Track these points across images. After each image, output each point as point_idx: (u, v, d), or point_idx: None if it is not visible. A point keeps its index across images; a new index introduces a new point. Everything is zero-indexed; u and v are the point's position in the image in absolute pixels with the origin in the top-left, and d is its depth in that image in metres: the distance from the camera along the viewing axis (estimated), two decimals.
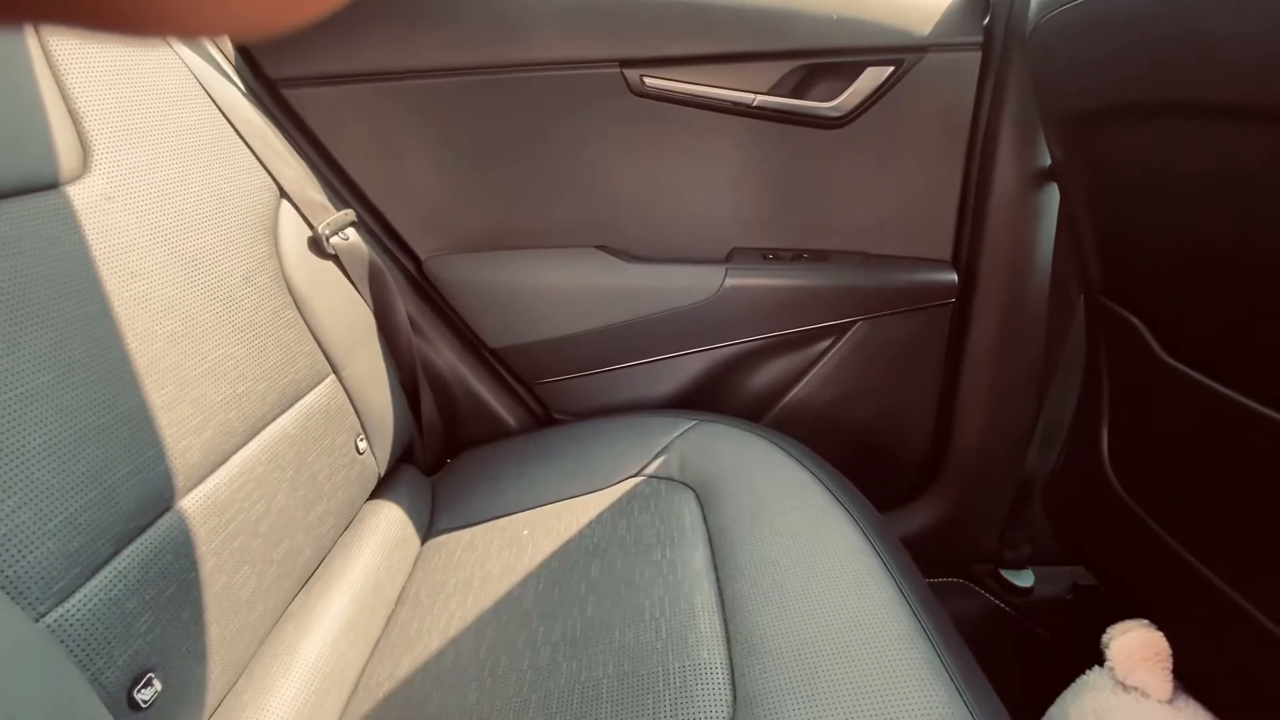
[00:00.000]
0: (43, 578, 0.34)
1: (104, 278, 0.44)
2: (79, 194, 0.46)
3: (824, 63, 0.75)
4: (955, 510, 0.93)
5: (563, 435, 0.81)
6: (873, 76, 0.75)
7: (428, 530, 0.71)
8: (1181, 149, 0.47)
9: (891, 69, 0.74)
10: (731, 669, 0.44)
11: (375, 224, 0.81)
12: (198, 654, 0.42)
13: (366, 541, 0.63)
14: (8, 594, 0.32)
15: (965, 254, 0.81)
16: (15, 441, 0.35)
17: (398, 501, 0.70)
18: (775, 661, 0.43)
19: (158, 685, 0.39)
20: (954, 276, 0.82)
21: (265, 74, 0.73)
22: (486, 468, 0.79)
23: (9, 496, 0.34)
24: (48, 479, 0.36)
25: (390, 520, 0.67)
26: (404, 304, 0.76)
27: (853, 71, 0.75)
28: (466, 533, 0.68)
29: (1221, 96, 0.41)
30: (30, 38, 0.47)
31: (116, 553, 0.39)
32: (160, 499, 0.42)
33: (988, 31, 0.73)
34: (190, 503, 0.44)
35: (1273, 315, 0.45)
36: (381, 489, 0.70)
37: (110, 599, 0.37)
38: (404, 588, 0.62)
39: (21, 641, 0.32)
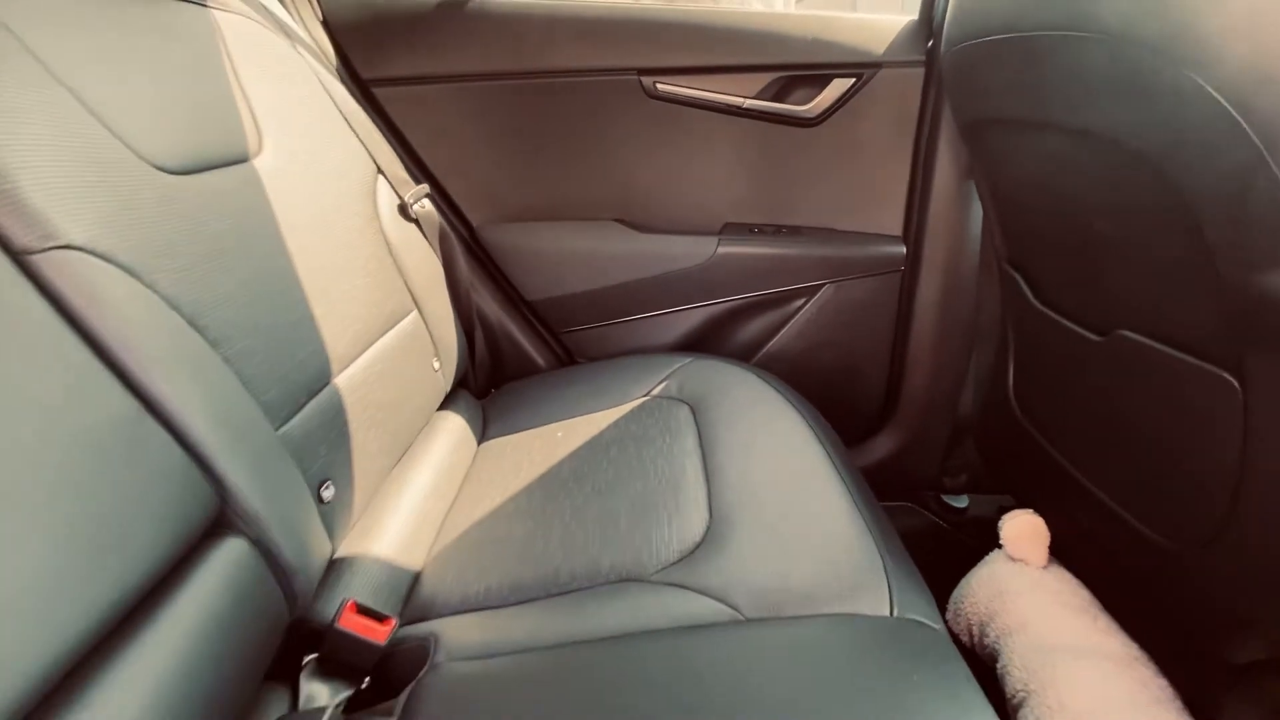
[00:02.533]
0: (276, 406, 0.54)
1: (280, 227, 0.64)
2: (260, 166, 0.65)
3: (800, 74, 0.95)
4: (905, 445, 1.13)
5: (584, 371, 1.01)
6: (838, 86, 0.94)
7: (481, 437, 0.91)
8: (1044, 155, 0.66)
9: (853, 80, 0.93)
10: (709, 500, 0.64)
11: (439, 196, 1.01)
12: (348, 478, 0.63)
13: (439, 437, 0.84)
14: (263, 412, 0.52)
15: (913, 231, 1.01)
16: (255, 324, 0.55)
17: (459, 413, 0.90)
18: (739, 496, 0.64)
19: (332, 489, 0.59)
20: (903, 249, 1.01)
21: (359, 75, 0.93)
22: (524, 396, 0.99)
23: (253, 355, 0.54)
24: (271, 348, 0.56)
25: (455, 425, 0.87)
26: (462, 261, 0.96)
27: (823, 82, 0.94)
28: (512, 438, 0.88)
29: (1068, 121, 0.60)
30: (218, 43, 0.66)
31: (306, 402, 0.59)
32: (325, 373, 0.62)
33: (929, 53, 0.91)
34: (342, 380, 0.64)
35: (1094, 272, 0.64)
36: (447, 403, 0.91)
37: (305, 430, 0.57)
38: (468, 472, 0.83)
39: (272, 442, 0.52)
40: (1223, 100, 0.41)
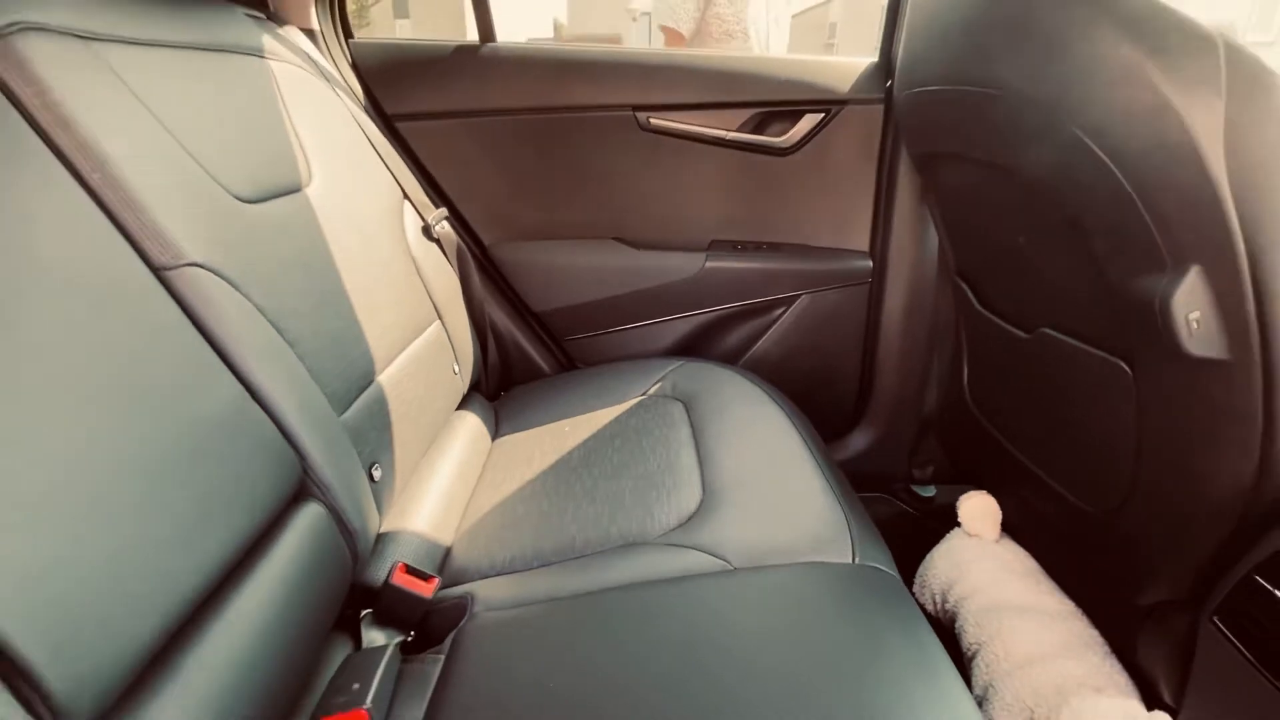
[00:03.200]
0: (337, 397, 0.64)
1: (330, 247, 0.74)
2: (311, 195, 0.75)
3: (775, 110, 1.07)
4: (877, 440, 1.24)
5: (586, 374, 1.12)
6: (809, 120, 1.06)
7: (494, 435, 1.01)
8: (976, 184, 0.78)
9: (822, 115, 1.06)
10: (702, 479, 0.75)
11: (455, 219, 1.11)
12: (391, 463, 0.72)
13: (459, 433, 0.93)
14: (329, 401, 0.62)
15: (878, 247, 1.13)
16: (317, 329, 0.65)
17: (475, 412, 1.00)
18: (728, 475, 0.74)
19: (380, 471, 0.69)
20: (870, 263, 1.13)
21: (385, 112, 1.04)
22: (531, 398, 1.09)
23: (319, 355, 0.64)
24: (331, 349, 0.66)
25: (472, 423, 0.97)
26: (476, 277, 1.06)
27: (795, 116, 1.07)
28: (524, 434, 0.97)
29: (989, 158, 0.72)
30: (274, 88, 0.77)
31: (358, 396, 0.69)
32: (371, 372, 0.72)
33: (888, 91, 1.04)
34: (383, 378, 0.74)
35: (1019, 280, 0.76)
36: (463, 404, 1.00)
37: (358, 419, 0.67)
38: (485, 463, 0.92)
39: (337, 426, 0.62)
40: (1096, 148, 0.53)
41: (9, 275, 0.39)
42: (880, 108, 1.05)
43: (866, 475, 1.24)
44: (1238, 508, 0.57)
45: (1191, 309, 0.52)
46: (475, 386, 1.08)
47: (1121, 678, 0.71)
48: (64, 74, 0.49)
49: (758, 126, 1.09)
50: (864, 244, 1.14)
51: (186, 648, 0.42)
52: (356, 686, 0.52)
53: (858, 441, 1.26)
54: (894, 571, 0.62)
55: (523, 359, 1.18)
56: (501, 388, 1.16)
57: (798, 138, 1.07)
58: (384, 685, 0.53)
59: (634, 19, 15.56)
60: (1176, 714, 0.65)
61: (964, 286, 0.91)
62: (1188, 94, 0.48)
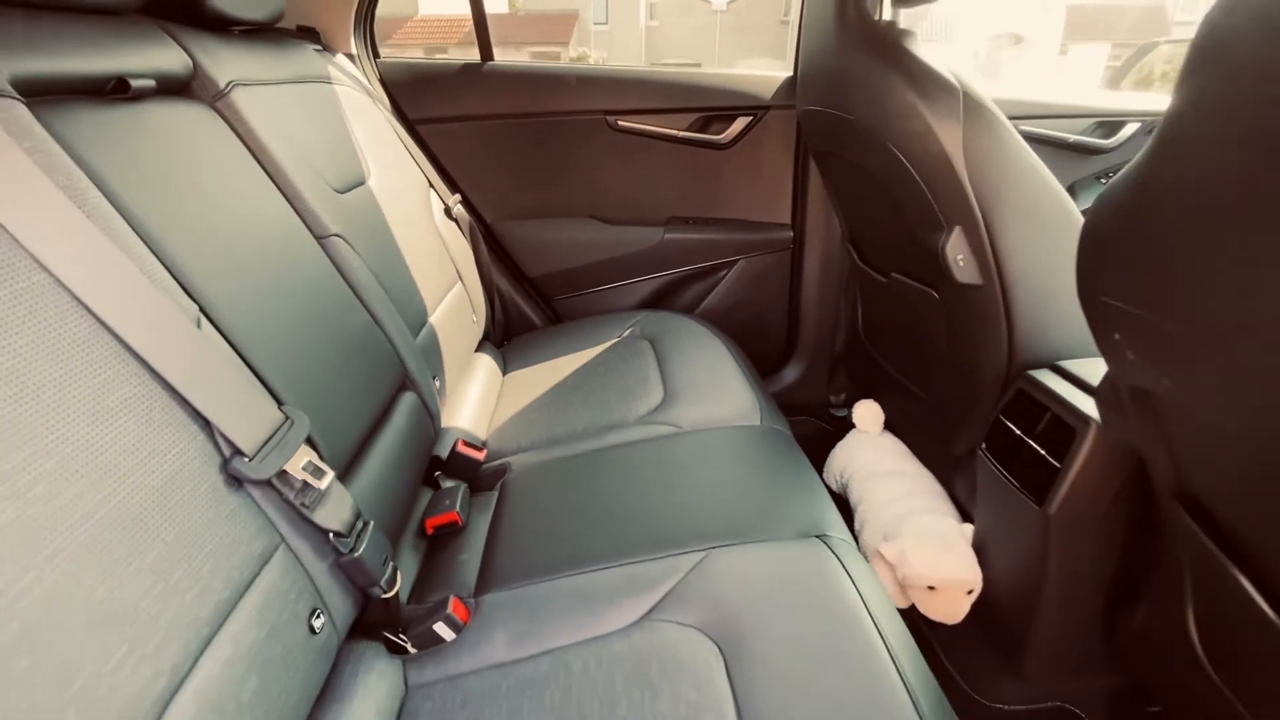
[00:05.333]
0: (412, 328, 0.93)
1: (389, 223, 1.02)
2: (372, 186, 1.03)
3: (715, 114, 1.37)
4: (802, 375, 1.58)
5: (571, 326, 1.42)
6: (741, 121, 1.37)
7: (504, 371, 1.30)
8: (848, 173, 1.10)
9: (751, 118, 1.37)
10: (664, 387, 1.06)
11: (465, 202, 1.39)
12: (443, 379, 1.01)
13: (480, 367, 1.23)
14: (408, 330, 0.90)
15: (797, 220, 1.45)
16: (392, 281, 0.93)
17: (488, 354, 1.29)
18: (682, 384, 1.05)
19: (438, 383, 0.98)
20: (791, 234, 1.45)
21: (408, 117, 1.31)
22: (530, 344, 1.39)
23: (397, 300, 0.92)
24: (402, 294, 0.94)
25: (488, 361, 1.26)
26: (484, 248, 1.35)
27: (731, 118, 1.37)
28: (528, 369, 1.27)
29: (851, 157, 1.04)
30: (340, 104, 1.03)
31: (420, 329, 0.97)
32: (424, 314, 1.00)
33: (799, 100, 1.35)
34: (433, 319, 1.03)
35: (877, 238, 1.09)
36: (479, 348, 1.30)
37: (421, 344, 0.96)
38: (501, 387, 1.22)
39: (415, 343, 0.90)
40: (899, 155, 0.85)
41: (247, 234, 0.67)
42: (794, 112, 1.36)
43: (795, 403, 1.58)
44: (999, 377, 0.91)
45: (958, 253, 0.86)
46: (486, 336, 1.37)
47: (947, 505, 1.06)
48: (251, 110, 0.76)
49: (702, 126, 1.39)
50: (786, 218, 1.46)
51: (358, 465, 0.72)
52: (447, 503, 0.82)
53: (788, 376, 1.59)
54: (788, 430, 0.95)
55: (520, 314, 1.48)
56: (505, 338, 1.46)
57: (733, 135, 1.38)
58: (463, 503, 0.83)
59: None
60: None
61: (851, 249, 1.24)
62: (941, 122, 0.80)
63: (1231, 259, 0.37)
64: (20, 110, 0.46)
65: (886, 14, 0.92)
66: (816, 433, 1.60)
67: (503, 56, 1.34)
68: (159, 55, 0.66)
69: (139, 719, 0.38)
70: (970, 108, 0.80)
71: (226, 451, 0.50)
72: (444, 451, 0.94)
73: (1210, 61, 0.36)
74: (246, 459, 0.50)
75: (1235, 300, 0.37)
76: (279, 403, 0.57)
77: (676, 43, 18.71)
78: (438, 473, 0.93)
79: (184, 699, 0.41)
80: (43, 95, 0.51)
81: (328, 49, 1.15)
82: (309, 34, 1.13)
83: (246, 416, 0.51)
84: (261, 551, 0.51)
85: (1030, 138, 1.27)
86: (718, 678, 0.56)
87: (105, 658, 0.37)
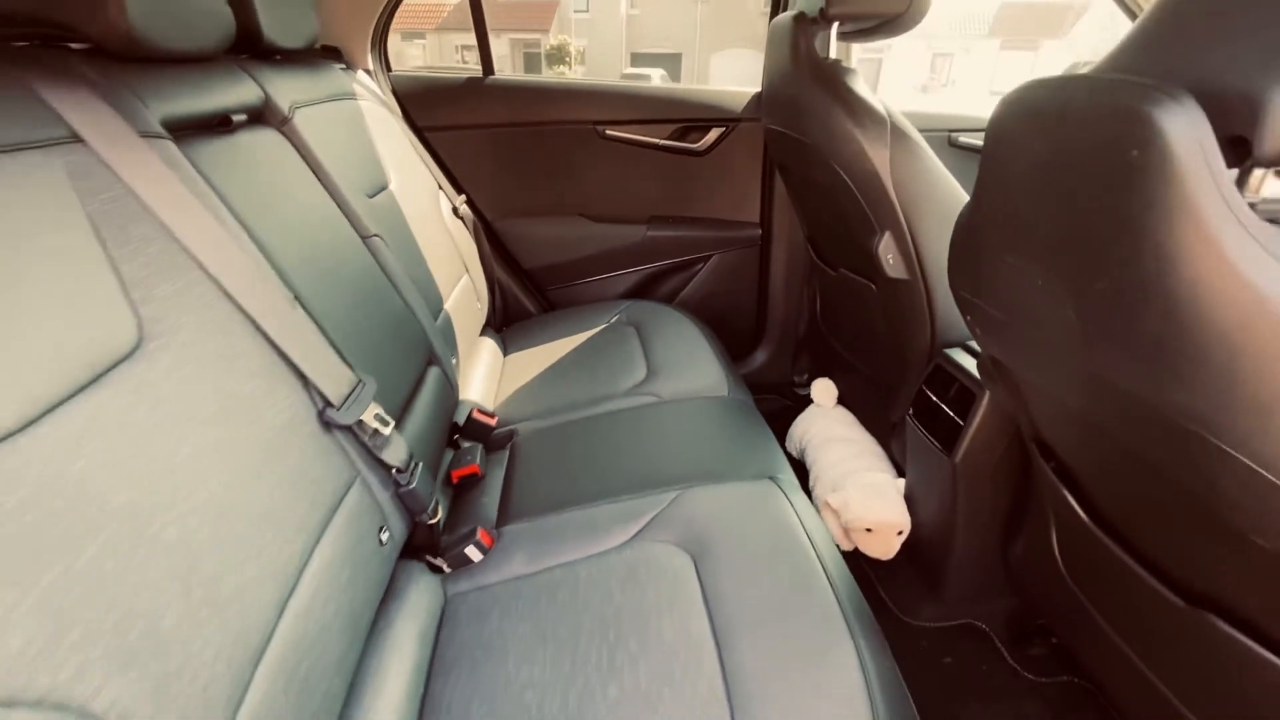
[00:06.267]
0: (431, 312, 1.09)
1: (409, 224, 1.17)
2: (393, 189, 1.18)
3: (693, 125, 1.55)
4: (770, 358, 1.77)
5: (564, 313, 1.59)
6: (716, 132, 1.54)
7: (505, 353, 1.47)
8: (803, 184, 1.28)
9: (724, 129, 1.54)
10: (647, 364, 1.24)
11: (468, 202, 1.54)
12: (456, 356, 1.18)
13: (484, 349, 1.39)
14: (429, 312, 1.07)
15: (765, 220, 1.63)
16: (415, 274, 1.09)
17: (490, 338, 1.46)
18: (664, 364, 1.23)
19: (454, 361, 1.14)
20: (760, 231, 1.63)
21: (416, 124, 1.45)
22: (526, 330, 1.55)
23: (420, 288, 1.08)
24: (423, 283, 1.10)
25: (490, 345, 1.43)
26: (486, 243, 1.51)
27: (706, 129, 1.55)
28: (525, 351, 1.44)
29: (804, 172, 1.22)
30: (365, 118, 1.19)
31: (438, 314, 1.13)
32: (440, 300, 1.17)
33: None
34: (447, 305, 1.19)
35: (827, 238, 1.27)
36: (483, 332, 1.46)
37: (439, 326, 1.12)
38: (503, 366, 1.38)
39: (436, 325, 1.07)
40: (841, 173, 1.04)
41: (313, 235, 0.82)
42: (761, 125, 1.54)
43: (764, 382, 1.77)
44: (923, 356, 1.10)
45: (889, 253, 1.04)
46: (488, 322, 1.53)
47: (885, 464, 1.26)
48: (307, 130, 0.91)
49: (680, 136, 1.56)
50: (756, 217, 1.64)
51: (404, 421, 0.88)
52: (469, 458, 0.99)
53: (757, 359, 1.78)
54: (750, 401, 1.13)
55: (517, 303, 1.64)
56: (504, 324, 1.62)
57: (708, 144, 1.56)
58: (482, 458, 1.00)
59: None
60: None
61: (809, 247, 1.43)
62: (873, 146, 0.98)
63: (1020, 269, 0.56)
64: (172, 147, 0.62)
65: (834, 53, 1.10)
66: (782, 408, 1.79)
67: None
68: (241, 90, 0.82)
69: (282, 588, 0.55)
70: (896, 134, 0.99)
71: (320, 404, 0.66)
72: (461, 418, 1.10)
73: (994, 138, 0.55)
74: (335, 409, 0.67)
75: (1024, 297, 0.56)
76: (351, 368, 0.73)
77: (657, 31, 18.74)
78: (456, 436, 1.10)
79: (305, 579, 0.58)
80: (178, 132, 0.66)
81: (349, 66, 1.29)
82: (333, 54, 1.28)
83: (332, 377, 0.68)
84: (346, 480, 0.67)
85: (967, 147, 1.48)
86: (689, 577, 0.74)
87: (252, 549, 0.53)
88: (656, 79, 14.64)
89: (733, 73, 17.54)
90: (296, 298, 0.70)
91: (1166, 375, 0.41)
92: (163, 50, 0.65)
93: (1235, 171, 0.37)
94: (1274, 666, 0.55)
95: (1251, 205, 0.36)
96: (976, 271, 0.62)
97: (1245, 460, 0.38)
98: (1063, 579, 0.90)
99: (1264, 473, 0.38)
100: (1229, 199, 0.35)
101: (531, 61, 18.45)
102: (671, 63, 18.35)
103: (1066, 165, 0.45)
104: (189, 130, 0.69)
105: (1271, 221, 0.36)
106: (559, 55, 17.63)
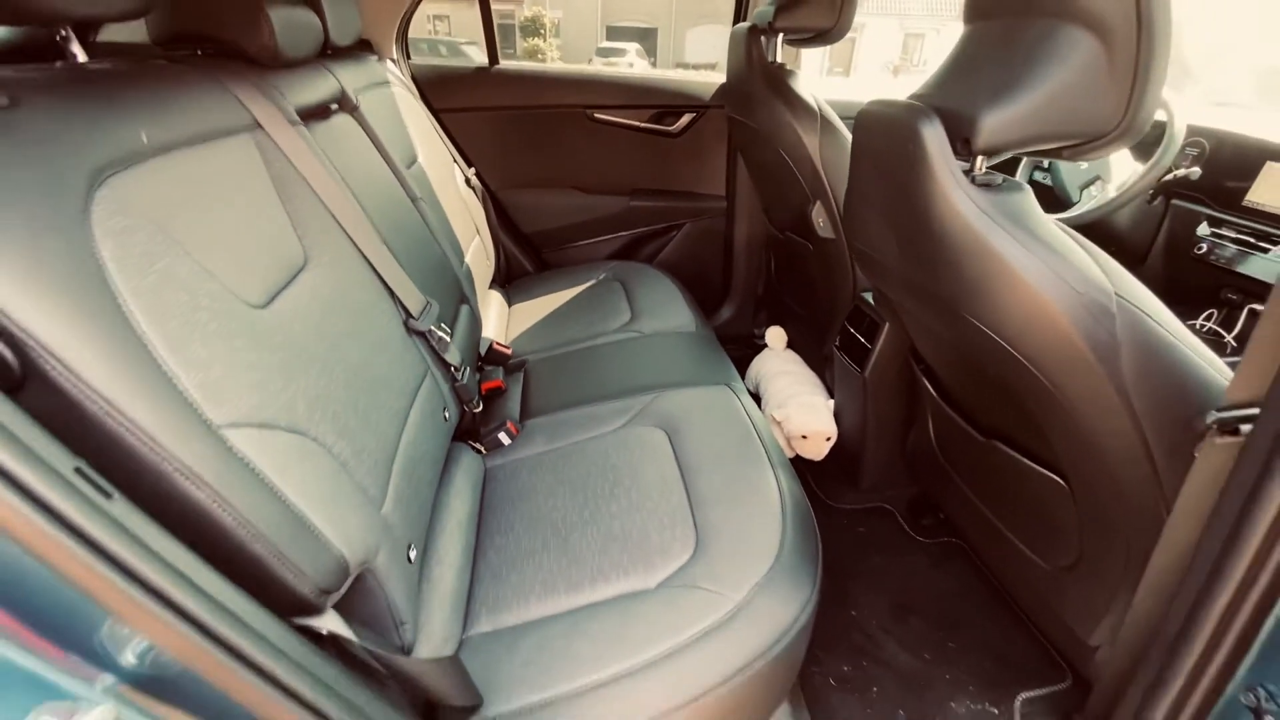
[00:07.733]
0: (455, 259, 1.36)
1: (436, 192, 1.43)
2: (422, 163, 1.43)
3: (668, 110, 1.82)
4: (735, 313, 2.07)
5: (558, 272, 1.86)
6: (688, 116, 1.82)
7: (509, 304, 1.74)
8: (758, 164, 1.57)
9: (695, 114, 1.82)
10: (631, 311, 1.52)
11: (477, 174, 1.80)
12: (476, 300, 1.45)
13: (494, 301, 1.66)
14: (455, 256, 1.33)
15: (731, 192, 1.92)
16: (441, 232, 1.35)
17: (497, 292, 1.72)
18: (646, 313, 1.52)
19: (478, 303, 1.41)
20: (725, 203, 1.92)
21: (432, 106, 1.70)
22: (525, 286, 1.82)
23: (444, 243, 1.34)
24: (447, 239, 1.37)
25: (498, 297, 1.70)
26: (492, 210, 1.77)
27: (680, 113, 1.82)
28: (528, 302, 1.71)
29: (758, 153, 1.50)
30: (398, 102, 1.43)
31: (462, 263, 1.40)
32: (462, 255, 1.43)
33: None
34: (467, 259, 1.46)
35: (778, 207, 1.57)
36: (490, 286, 1.73)
37: (465, 273, 1.39)
38: (510, 315, 1.66)
39: (465, 271, 1.34)
40: (784, 155, 1.33)
41: (383, 195, 1.08)
42: (726, 110, 1.82)
43: (730, 335, 2.07)
44: (847, 300, 1.41)
45: (819, 217, 1.34)
46: (496, 277, 1.80)
47: (821, 390, 1.58)
48: (369, 113, 1.17)
49: (658, 119, 1.83)
50: (722, 190, 1.92)
51: (452, 338, 1.16)
52: (494, 375, 1.27)
53: (725, 313, 2.08)
54: (714, 336, 1.43)
55: (517, 262, 1.91)
56: (507, 281, 1.89)
57: (681, 126, 1.83)
58: (504, 376, 1.28)
59: None
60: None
61: (765, 218, 1.73)
62: (806, 134, 1.27)
63: (874, 221, 0.86)
64: (305, 130, 0.88)
65: (780, 57, 1.38)
66: (744, 356, 2.09)
67: (453, 10, 1.75)
68: (328, 85, 1.07)
69: (399, 424, 0.83)
70: (824, 124, 1.28)
71: (403, 315, 0.94)
72: (483, 349, 1.38)
73: (856, 136, 0.85)
74: (415, 319, 0.94)
75: (881, 241, 0.86)
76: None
77: (633, 4, 18.63)
78: (480, 363, 1.37)
79: (409, 424, 0.86)
80: (304, 120, 0.92)
81: (380, 55, 1.53)
82: (366, 46, 1.51)
83: (411, 295, 0.95)
84: (422, 372, 0.95)
85: None
86: (665, 444, 1.04)
87: (375, 404, 0.81)
88: (632, 53, 14.72)
89: (707, 45, 17.59)
90: (382, 240, 0.97)
91: (937, 274, 0.71)
92: (290, 59, 0.90)
93: (972, 158, 0.67)
94: (1037, 473, 0.88)
95: (971, 178, 0.65)
96: (858, 227, 0.92)
97: (972, 320, 0.69)
98: (936, 455, 1.23)
99: (980, 325, 0.68)
100: (955, 174, 0.65)
101: (505, 33, 18.22)
102: (648, 37, 18.31)
103: (886, 153, 0.75)
104: (307, 118, 0.94)
105: (984, 186, 0.66)
106: (533, 28, 17.47)
